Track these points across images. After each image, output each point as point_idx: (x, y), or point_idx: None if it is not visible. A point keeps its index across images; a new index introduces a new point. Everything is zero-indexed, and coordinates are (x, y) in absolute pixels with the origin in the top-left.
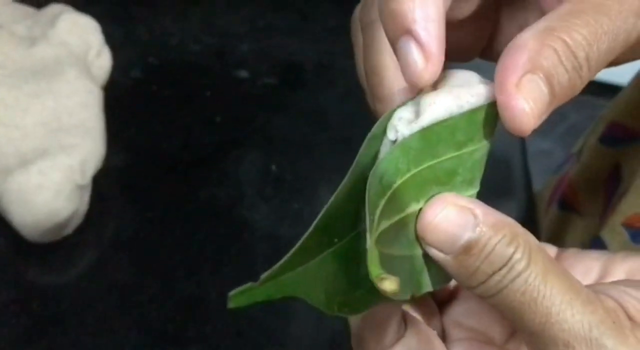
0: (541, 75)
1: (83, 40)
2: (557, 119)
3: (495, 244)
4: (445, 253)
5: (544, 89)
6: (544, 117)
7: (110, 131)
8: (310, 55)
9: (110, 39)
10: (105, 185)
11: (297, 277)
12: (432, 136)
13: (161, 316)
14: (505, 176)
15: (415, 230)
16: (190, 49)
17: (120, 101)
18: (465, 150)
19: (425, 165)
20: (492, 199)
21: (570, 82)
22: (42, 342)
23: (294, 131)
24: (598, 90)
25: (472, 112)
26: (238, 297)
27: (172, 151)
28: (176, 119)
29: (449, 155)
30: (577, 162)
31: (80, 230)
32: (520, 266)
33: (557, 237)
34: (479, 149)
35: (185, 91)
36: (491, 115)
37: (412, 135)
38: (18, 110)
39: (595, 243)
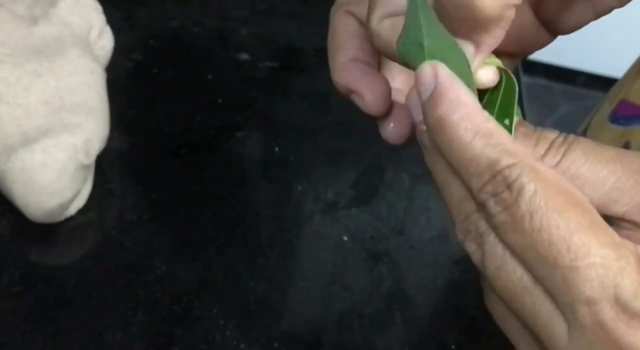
0: None
1: (85, 19)
2: (548, 111)
3: None
4: None
5: None
6: None
7: (111, 113)
8: (311, 39)
9: (110, 21)
10: (108, 166)
11: None
12: None
13: (167, 297)
14: None
15: None
16: (190, 32)
17: (122, 83)
18: None
19: None
20: None
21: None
22: (46, 323)
23: (295, 114)
24: (589, 82)
25: None
26: None
27: (175, 134)
28: (178, 102)
29: None
30: None
31: (84, 211)
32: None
33: None
34: None
35: (187, 74)
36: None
37: None
38: (20, 89)
39: None
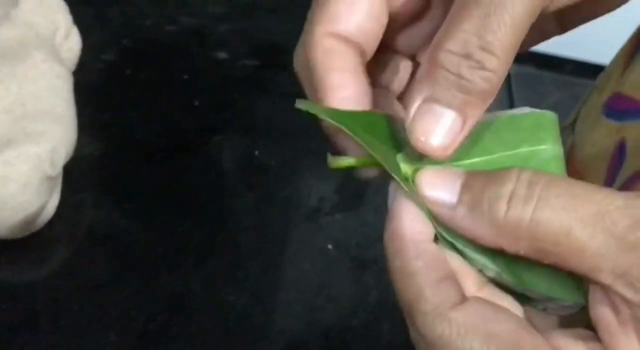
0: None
1: (49, 20)
2: (538, 99)
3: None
4: (452, 201)
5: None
6: (467, 131)
7: (82, 118)
8: (293, 36)
9: (80, 20)
10: (77, 175)
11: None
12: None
13: (142, 315)
14: None
15: None
16: (165, 30)
17: (92, 86)
18: (519, 150)
19: (475, 160)
20: None
21: (481, 84)
22: (13, 345)
23: (277, 115)
24: (579, 69)
25: (513, 117)
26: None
27: (149, 138)
28: (153, 105)
29: (500, 153)
30: (572, 133)
31: (52, 224)
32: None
33: None
34: (542, 151)
35: (162, 75)
36: (546, 122)
37: None
38: None
39: None
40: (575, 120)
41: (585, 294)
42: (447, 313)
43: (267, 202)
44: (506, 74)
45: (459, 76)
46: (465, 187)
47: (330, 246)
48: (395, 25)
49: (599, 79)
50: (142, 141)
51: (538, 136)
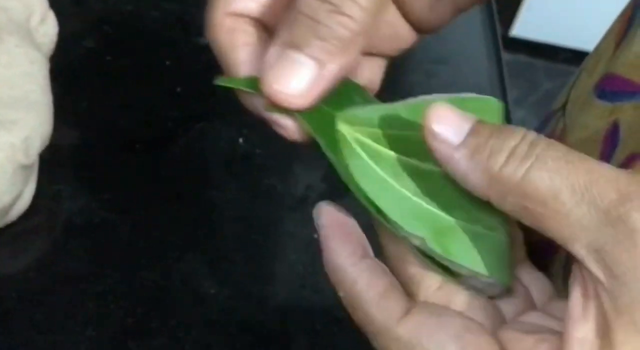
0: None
1: (24, 4)
2: (530, 88)
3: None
4: (455, 141)
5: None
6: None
7: (60, 106)
8: None
9: (59, 5)
10: (55, 165)
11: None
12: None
13: (121, 309)
14: None
15: None
16: (147, 16)
17: (71, 73)
18: None
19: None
20: None
21: (338, 30)
22: None
23: None
24: (571, 57)
25: (456, 99)
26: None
27: (130, 127)
28: (134, 92)
29: None
30: (563, 116)
31: (27, 216)
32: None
33: None
34: None
35: (143, 61)
36: (488, 109)
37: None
38: None
39: None
40: (565, 104)
41: (510, 276)
42: (394, 331)
43: (252, 191)
44: (369, 25)
45: (316, 21)
46: (472, 131)
47: (316, 236)
48: None
49: (587, 61)
50: (122, 129)
51: None
